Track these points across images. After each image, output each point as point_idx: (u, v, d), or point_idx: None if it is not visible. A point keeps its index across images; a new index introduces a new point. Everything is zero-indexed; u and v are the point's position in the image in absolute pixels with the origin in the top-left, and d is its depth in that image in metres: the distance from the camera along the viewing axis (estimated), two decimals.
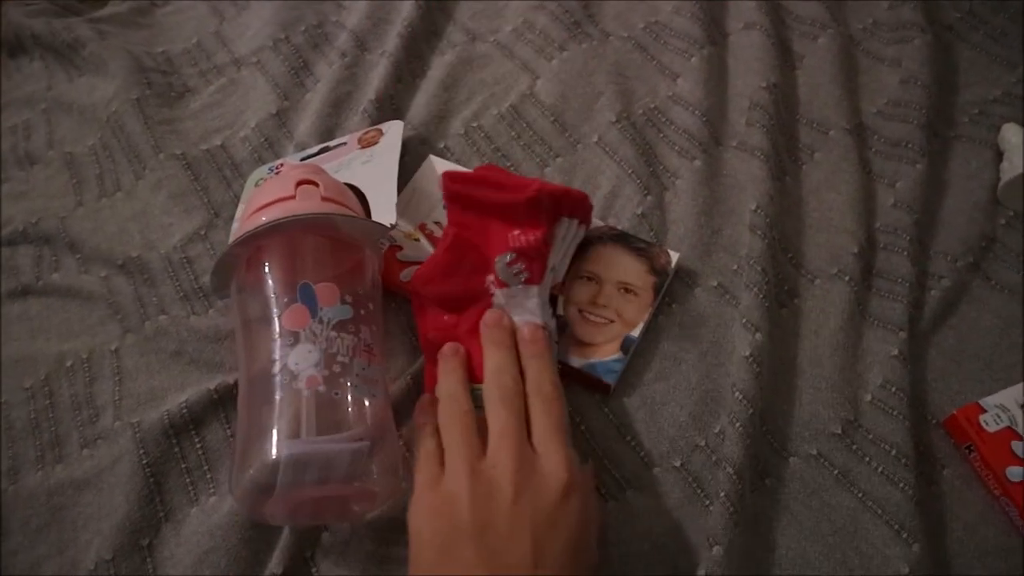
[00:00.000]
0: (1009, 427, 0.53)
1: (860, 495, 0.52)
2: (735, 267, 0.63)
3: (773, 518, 0.52)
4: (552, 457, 0.46)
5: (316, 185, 0.55)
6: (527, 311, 0.55)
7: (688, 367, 0.58)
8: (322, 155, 0.69)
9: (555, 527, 0.43)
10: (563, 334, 0.58)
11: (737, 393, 0.55)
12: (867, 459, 0.54)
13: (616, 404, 0.57)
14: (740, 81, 0.76)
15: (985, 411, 0.54)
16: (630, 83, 0.77)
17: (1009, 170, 0.66)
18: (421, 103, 0.76)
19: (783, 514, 0.52)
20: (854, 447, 0.54)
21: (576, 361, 0.57)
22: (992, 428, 0.54)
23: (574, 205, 0.59)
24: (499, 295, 0.55)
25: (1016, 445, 0.53)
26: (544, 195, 0.55)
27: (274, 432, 0.46)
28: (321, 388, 0.47)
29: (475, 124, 0.74)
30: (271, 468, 0.44)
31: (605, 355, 0.57)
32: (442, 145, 0.72)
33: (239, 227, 0.58)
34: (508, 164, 0.70)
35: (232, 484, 0.47)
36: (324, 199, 0.54)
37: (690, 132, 0.72)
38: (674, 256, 0.61)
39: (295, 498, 0.46)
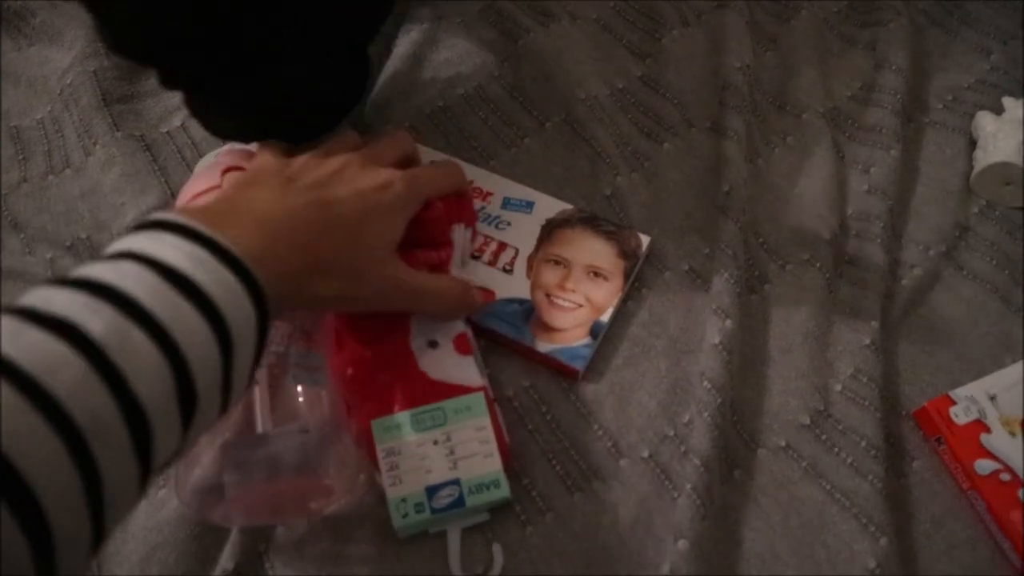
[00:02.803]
0: (978, 419, 0.53)
1: (828, 487, 0.52)
2: (707, 251, 0.61)
3: (741, 511, 0.51)
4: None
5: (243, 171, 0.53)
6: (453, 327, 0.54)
7: (657, 354, 0.57)
8: None
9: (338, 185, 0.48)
10: (530, 319, 0.56)
11: (706, 382, 0.54)
12: (836, 450, 0.53)
13: (584, 391, 0.55)
14: (713, 62, 0.74)
15: (955, 403, 0.54)
16: (599, 64, 0.74)
17: (983, 159, 0.65)
18: (384, 83, 0.73)
19: (751, 507, 0.51)
20: (823, 437, 0.53)
21: (543, 347, 0.55)
22: (961, 420, 0.53)
23: (461, 210, 0.56)
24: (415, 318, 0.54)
25: (985, 438, 0.52)
26: (439, 208, 0.53)
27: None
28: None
29: (440, 104, 0.71)
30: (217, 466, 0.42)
31: (573, 340, 0.55)
32: (407, 125, 0.70)
33: None
34: (475, 145, 0.68)
35: (178, 487, 0.44)
36: None
37: (660, 114, 0.70)
38: (645, 240, 0.59)
39: (248, 497, 0.44)
